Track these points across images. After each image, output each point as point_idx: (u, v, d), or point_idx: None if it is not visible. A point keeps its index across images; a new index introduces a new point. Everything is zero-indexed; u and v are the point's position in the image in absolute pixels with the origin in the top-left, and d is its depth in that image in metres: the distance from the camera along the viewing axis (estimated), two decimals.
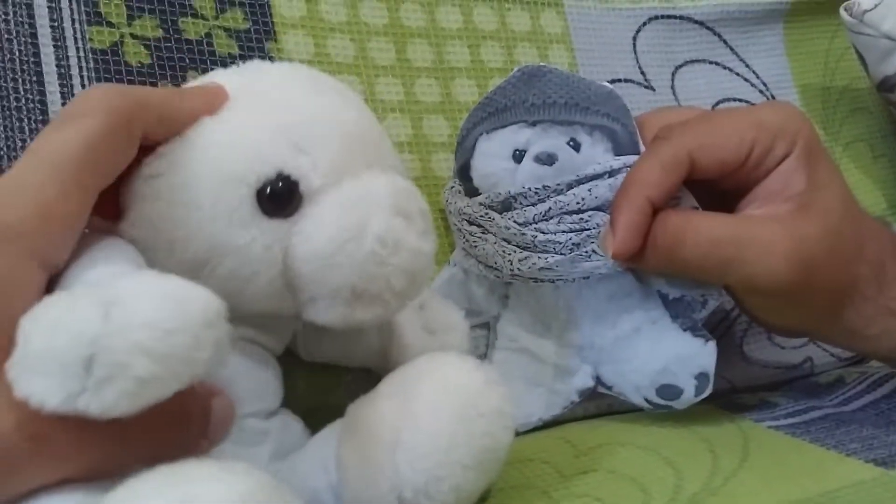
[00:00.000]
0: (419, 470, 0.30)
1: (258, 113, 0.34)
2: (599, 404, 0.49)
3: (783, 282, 0.39)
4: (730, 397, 0.51)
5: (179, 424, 0.29)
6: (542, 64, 0.46)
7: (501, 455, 0.33)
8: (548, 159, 0.43)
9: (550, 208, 0.43)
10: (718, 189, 0.43)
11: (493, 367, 0.46)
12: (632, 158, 0.43)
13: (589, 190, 0.43)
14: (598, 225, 0.43)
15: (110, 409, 0.23)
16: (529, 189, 0.43)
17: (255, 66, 0.37)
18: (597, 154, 0.44)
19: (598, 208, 0.43)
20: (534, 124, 0.44)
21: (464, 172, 0.46)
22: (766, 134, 0.42)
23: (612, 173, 0.43)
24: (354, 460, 0.32)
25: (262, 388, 0.36)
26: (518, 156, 0.44)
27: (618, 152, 0.44)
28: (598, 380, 0.46)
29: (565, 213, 0.43)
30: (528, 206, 0.43)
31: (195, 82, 0.37)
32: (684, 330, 0.44)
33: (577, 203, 0.43)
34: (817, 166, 0.42)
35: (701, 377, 0.43)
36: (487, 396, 0.32)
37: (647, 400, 0.45)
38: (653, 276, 0.45)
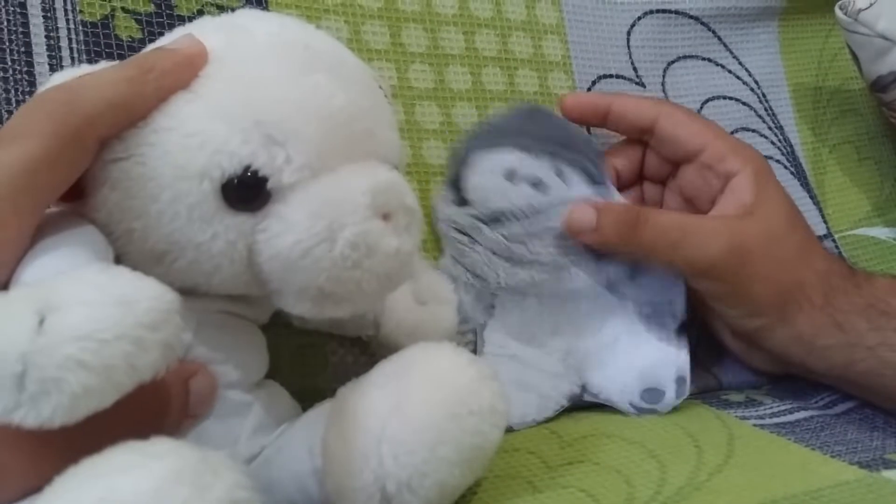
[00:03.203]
0: (404, 464, 0.30)
1: (230, 96, 0.31)
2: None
3: (718, 262, 0.45)
4: (716, 394, 0.51)
5: (156, 415, 0.29)
6: (542, 106, 0.52)
7: (490, 452, 0.32)
8: (539, 184, 0.47)
9: (535, 227, 0.47)
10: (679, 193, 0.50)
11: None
12: (604, 189, 0.48)
13: None
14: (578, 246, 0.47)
15: (48, 422, 0.23)
16: (518, 208, 0.47)
17: (245, 20, 0.34)
18: (574, 184, 0.48)
19: None
20: (528, 150, 0.48)
21: (456, 183, 0.49)
22: (723, 143, 0.48)
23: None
24: (339, 448, 0.31)
25: (244, 359, 0.34)
26: (509, 175, 0.47)
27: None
28: (584, 388, 0.48)
29: (549, 234, 0.47)
30: (514, 222, 0.47)
31: (181, 32, 0.34)
32: (659, 340, 0.48)
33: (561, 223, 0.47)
34: (766, 186, 0.47)
35: (679, 381, 0.47)
36: (480, 394, 0.32)
37: (632, 404, 0.47)
38: (622, 285, 0.48)
